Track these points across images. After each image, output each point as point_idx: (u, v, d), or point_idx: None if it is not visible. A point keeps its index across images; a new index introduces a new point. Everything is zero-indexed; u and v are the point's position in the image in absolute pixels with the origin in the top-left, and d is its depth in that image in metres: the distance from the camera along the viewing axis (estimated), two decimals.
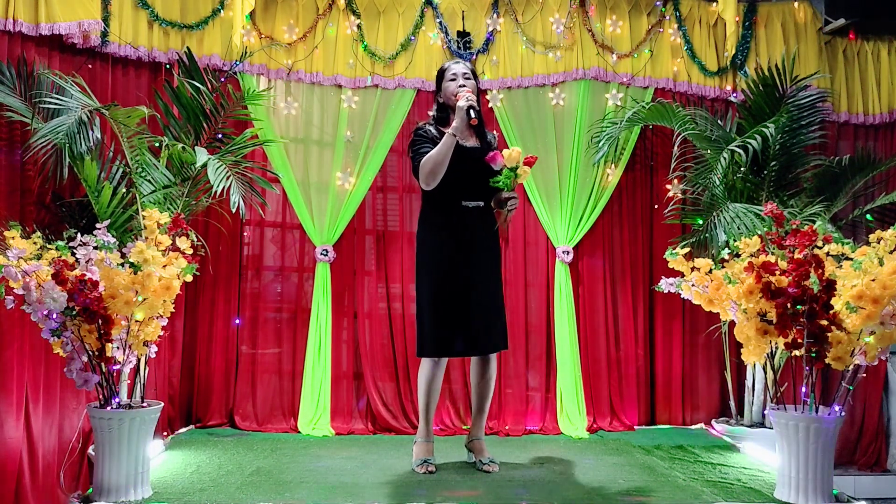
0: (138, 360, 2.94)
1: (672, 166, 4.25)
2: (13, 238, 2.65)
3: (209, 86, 3.79)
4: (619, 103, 4.44)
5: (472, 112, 3.07)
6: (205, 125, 3.82)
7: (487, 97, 4.37)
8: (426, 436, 3.30)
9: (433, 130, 3.23)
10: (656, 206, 4.49)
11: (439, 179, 3.11)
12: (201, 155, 3.45)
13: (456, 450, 3.53)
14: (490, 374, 3.33)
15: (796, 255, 2.78)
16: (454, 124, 3.09)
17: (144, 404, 2.94)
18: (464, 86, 3.19)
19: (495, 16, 4.39)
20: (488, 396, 3.37)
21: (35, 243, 2.69)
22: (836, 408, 2.88)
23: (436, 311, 3.17)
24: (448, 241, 3.18)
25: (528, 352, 4.34)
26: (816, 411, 2.88)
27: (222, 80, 4.03)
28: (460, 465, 3.36)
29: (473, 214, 3.19)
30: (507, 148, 3.07)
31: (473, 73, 3.29)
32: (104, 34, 3.66)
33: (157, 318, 2.90)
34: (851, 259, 2.84)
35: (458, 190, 3.16)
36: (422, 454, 3.27)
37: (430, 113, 3.35)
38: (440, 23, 4.34)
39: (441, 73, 3.31)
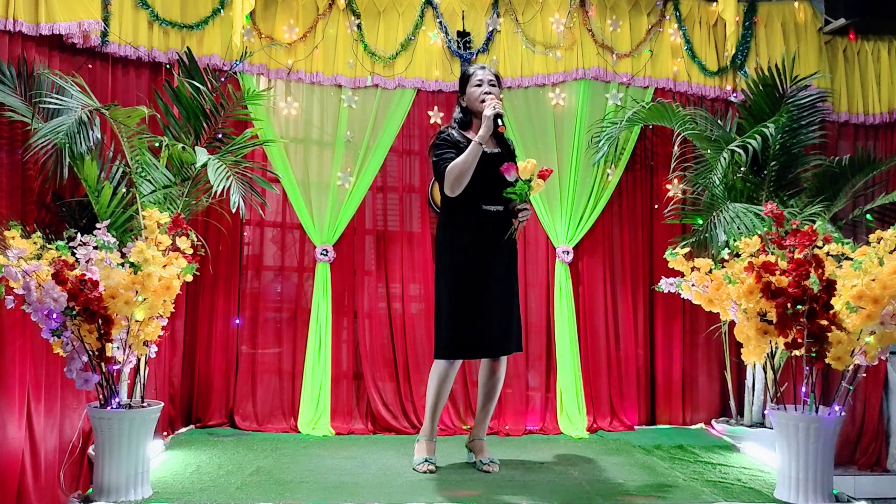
0: (138, 360, 2.94)
1: (672, 166, 4.25)
2: (13, 238, 2.65)
3: (209, 86, 3.79)
4: (619, 103, 4.44)
5: (499, 120, 3.08)
6: (205, 125, 3.82)
7: None
8: (430, 434, 3.30)
9: (455, 135, 3.24)
10: (656, 206, 4.49)
11: (464, 186, 3.14)
12: (201, 155, 3.45)
13: (456, 450, 3.52)
14: (499, 376, 3.33)
15: (796, 255, 2.78)
16: (480, 133, 3.10)
17: (144, 404, 2.94)
18: (489, 92, 3.21)
19: (495, 16, 4.39)
20: (494, 398, 3.37)
21: (35, 243, 2.69)
22: (836, 408, 2.88)
23: (454, 314, 3.18)
24: (467, 245, 3.19)
25: (528, 352, 4.33)
26: (816, 411, 2.88)
27: (222, 80, 4.03)
28: (460, 465, 3.36)
29: (493, 218, 3.19)
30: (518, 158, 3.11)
31: (498, 79, 3.31)
32: (104, 34, 3.66)
33: (157, 318, 2.90)
34: (851, 259, 2.84)
35: (478, 194, 3.17)
36: (423, 452, 3.27)
37: (455, 116, 3.36)
38: (440, 23, 4.34)
39: (466, 78, 3.31)
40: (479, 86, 3.24)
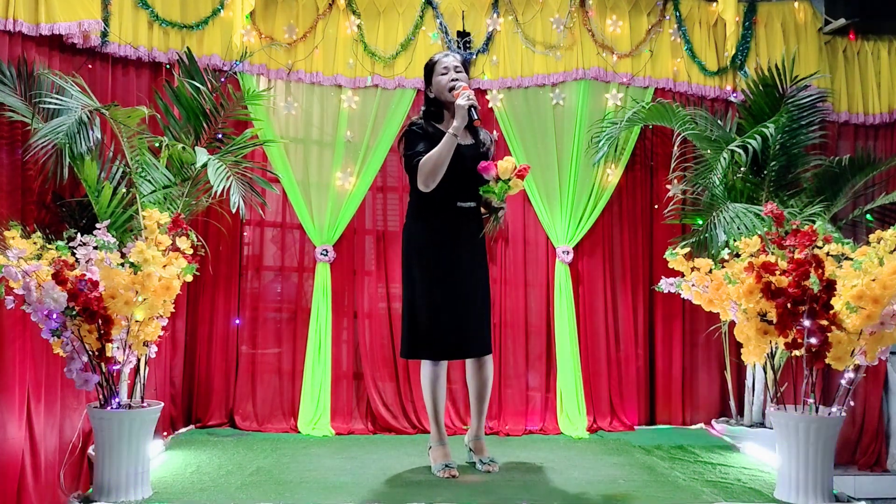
0: (138, 360, 2.95)
1: (672, 166, 4.25)
2: (13, 238, 2.65)
3: (209, 86, 3.79)
4: (619, 103, 4.43)
5: (473, 112, 2.97)
6: (205, 125, 3.81)
7: (487, 97, 4.37)
8: (440, 439, 3.25)
9: (427, 126, 3.14)
10: (656, 206, 4.48)
11: (439, 181, 3.02)
12: (201, 155, 3.45)
13: (456, 450, 3.51)
14: (486, 375, 3.29)
15: (796, 255, 2.78)
16: (455, 123, 2.99)
17: (144, 404, 2.94)
18: (457, 79, 3.09)
19: (495, 16, 4.39)
20: (486, 397, 3.34)
21: (35, 243, 2.69)
22: (836, 408, 2.88)
23: (429, 314, 3.12)
24: (441, 242, 3.13)
25: (528, 352, 4.34)
26: (816, 411, 2.88)
27: (222, 80, 4.03)
28: (460, 466, 3.35)
29: (467, 215, 3.14)
30: (505, 148, 3.04)
31: (465, 65, 3.21)
32: (104, 34, 3.66)
33: (158, 318, 2.90)
34: (851, 259, 2.84)
35: (452, 189, 3.09)
36: (441, 458, 3.21)
37: (422, 108, 3.28)
38: (440, 23, 4.34)
39: (431, 66, 3.20)
40: (445, 73, 3.13)
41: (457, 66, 3.15)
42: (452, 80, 3.10)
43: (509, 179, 2.96)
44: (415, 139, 3.11)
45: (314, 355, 4.17)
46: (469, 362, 3.31)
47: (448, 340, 3.13)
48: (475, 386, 3.33)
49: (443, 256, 3.13)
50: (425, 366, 3.22)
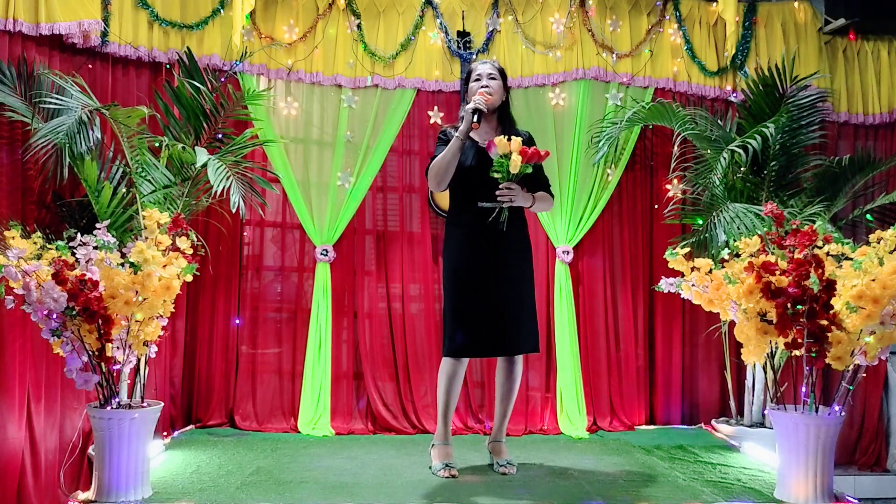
0: (138, 360, 2.94)
1: (672, 166, 4.25)
2: (13, 238, 2.65)
3: (209, 86, 3.79)
4: (619, 103, 4.43)
5: (475, 116, 3.02)
6: (205, 125, 3.81)
7: None
8: (444, 438, 3.25)
9: (452, 133, 3.19)
10: (656, 206, 4.49)
11: (446, 183, 3.13)
12: (201, 155, 3.45)
13: (456, 449, 3.51)
14: (515, 376, 3.28)
15: (796, 255, 2.78)
16: (461, 127, 3.07)
17: (144, 404, 2.94)
18: (486, 86, 3.15)
19: (495, 16, 4.39)
20: (510, 399, 3.32)
21: (35, 243, 2.69)
22: (836, 408, 2.88)
23: (457, 312, 3.16)
24: (467, 243, 3.17)
25: None
26: (816, 411, 2.88)
27: (222, 80, 4.03)
28: (460, 466, 3.35)
29: (491, 215, 3.13)
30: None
31: (501, 72, 3.25)
32: (104, 34, 3.66)
33: (157, 318, 2.89)
34: (851, 259, 2.84)
35: (476, 191, 3.11)
36: (442, 458, 3.21)
37: (460, 113, 3.32)
38: (440, 23, 4.34)
39: (468, 74, 3.28)
40: (478, 80, 3.20)
41: (490, 74, 3.21)
42: (483, 87, 3.16)
43: (508, 155, 2.95)
44: (439, 145, 3.22)
45: (314, 355, 4.17)
46: (499, 361, 3.31)
47: (468, 338, 3.14)
48: (498, 386, 3.32)
49: (468, 257, 3.17)
50: (446, 362, 3.21)
